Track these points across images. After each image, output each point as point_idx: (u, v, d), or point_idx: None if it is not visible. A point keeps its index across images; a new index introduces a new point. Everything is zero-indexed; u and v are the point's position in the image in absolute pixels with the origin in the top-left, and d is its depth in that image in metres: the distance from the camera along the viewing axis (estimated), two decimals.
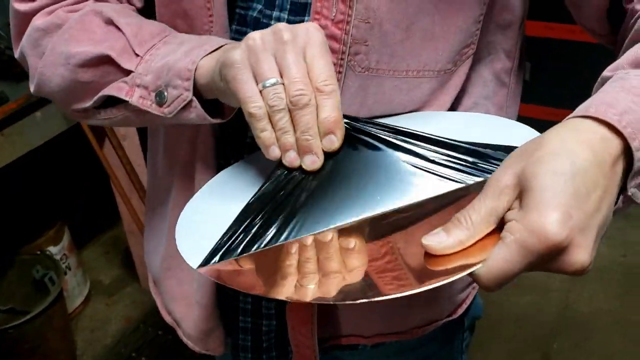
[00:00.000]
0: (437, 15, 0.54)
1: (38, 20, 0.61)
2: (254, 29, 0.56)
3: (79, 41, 0.58)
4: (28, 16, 0.62)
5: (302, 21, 0.55)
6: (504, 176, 0.41)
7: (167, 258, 0.71)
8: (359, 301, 0.40)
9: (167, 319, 0.75)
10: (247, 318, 0.69)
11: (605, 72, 0.49)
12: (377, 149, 0.50)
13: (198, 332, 0.70)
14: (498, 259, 0.39)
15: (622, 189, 0.43)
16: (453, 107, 0.60)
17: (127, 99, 0.56)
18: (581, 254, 0.38)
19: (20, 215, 1.84)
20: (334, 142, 0.47)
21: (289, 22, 0.55)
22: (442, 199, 0.47)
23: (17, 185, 1.86)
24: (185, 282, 0.69)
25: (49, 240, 1.84)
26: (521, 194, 0.40)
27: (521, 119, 0.59)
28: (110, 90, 0.58)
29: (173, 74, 0.53)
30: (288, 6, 0.55)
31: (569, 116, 0.43)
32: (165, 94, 0.54)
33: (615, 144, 0.41)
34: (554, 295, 1.95)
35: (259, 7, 0.57)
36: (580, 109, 0.43)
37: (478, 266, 0.39)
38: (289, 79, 0.46)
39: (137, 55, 0.56)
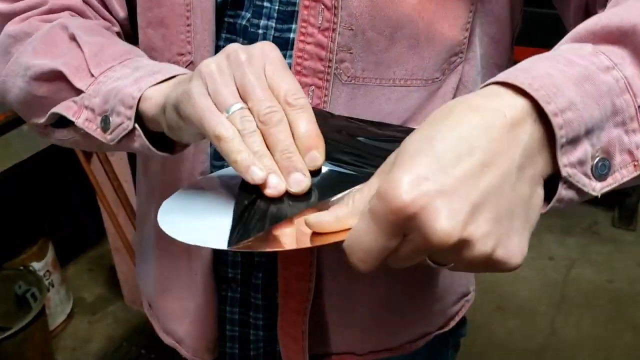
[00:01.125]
0: (421, 23, 0.54)
1: (10, 27, 0.60)
2: (243, 37, 0.57)
3: (40, 54, 0.57)
4: (6, 17, 0.61)
5: (290, 29, 0.55)
6: (392, 154, 0.37)
7: (161, 280, 0.71)
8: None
9: (166, 340, 0.75)
10: (234, 327, 0.68)
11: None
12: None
13: (206, 343, 0.70)
14: (356, 230, 0.36)
15: (556, 171, 0.37)
16: None
17: (73, 119, 0.54)
18: (442, 219, 0.32)
19: (4, 229, 1.82)
20: (317, 158, 0.44)
21: (277, 30, 0.56)
22: None
23: (1, 198, 1.84)
24: (186, 299, 0.69)
25: (32, 255, 1.82)
26: None
27: None
28: (60, 108, 0.56)
29: (118, 99, 0.51)
30: (275, 15, 0.56)
31: (480, 86, 0.38)
32: (110, 119, 0.52)
33: (517, 106, 0.35)
34: (540, 320, 1.95)
35: (248, 15, 0.57)
36: (491, 79, 0.38)
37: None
38: (255, 99, 0.43)
39: (92, 75, 0.54)
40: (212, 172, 0.62)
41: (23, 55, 0.58)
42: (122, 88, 0.51)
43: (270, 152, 0.43)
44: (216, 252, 0.64)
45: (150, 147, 0.51)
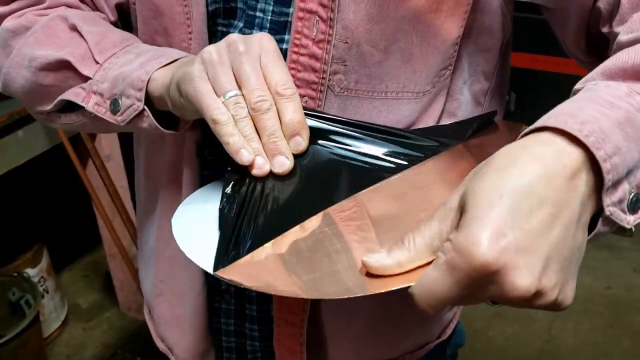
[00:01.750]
0: (415, 37, 0.54)
1: (8, 23, 0.63)
2: None
3: (42, 45, 0.59)
4: (1, 18, 0.64)
5: (283, 40, 0.55)
6: (451, 198, 0.39)
7: (157, 284, 0.71)
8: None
9: (160, 345, 0.75)
10: (230, 338, 0.68)
11: (576, 86, 0.46)
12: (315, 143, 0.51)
13: (193, 355, 0.70)
14: (429, 279, 0.37)
15: (599, 209, 0.39)
16: None
17: (83, 104, 0.58)
18: (522, 277, 0.34)
19: None
20: (301, 143, 0.49)
21: None
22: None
23: None
24: (177, 306, 0.69)
25: (26, 262, 1.80)
26: (461, 214, 0.37)
27: None
28: (68, 95, 0.59)
29: (127, 83, 0.54)
30: (268, 25, 0.55)
31: (527, 129, 0.40)
32: (120, 102, 0.55)
33: (574, 155, 0.37)
34: (537, 326, 1.94)
35: (240, 25, 0.57)
36: (540, 120, 0.40)
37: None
38: (248, 88, 0.48)
39: (97, 62, 0.58)
40: (200, 180, 0.61)
41: (25, 47, 0.60)
42: (129, 73, 0.55)
43: (259, 136, 0.48)
44: None
45: (158, 125, 0.54)
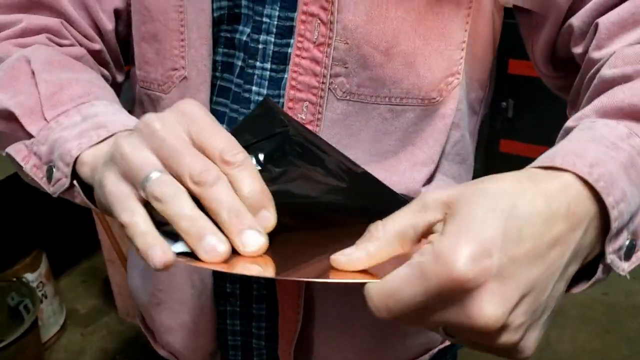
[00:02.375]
0: (417, 40, 0.53)
1: None
2: (244, 52, 0.57)
3: (1, 87, 0.53)
4: None
5: (289, 44, 0.55)
6: (436, 192, 0.36)
7: (155, 293, 0.70)
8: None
9: (162, 352, 0.74)
10: (236, 337, 0.68)
11: (569, 123, 0.44)
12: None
13: (203, 356, 0.70)
14: (395, 276, 0.34)
15: (600, 255, 0.38)
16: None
17: (22, 164, 0.50)
18: (492, 305, 0.32)
19: None
20: (269, 218, 0.39)
21: (276, 45, 0.56)
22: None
23: None
24: (181, 312, 0.68)
25: (25, 267, 1.81)
26: (447, 217, 0.34)
27: (503, 155, 0.59)
28: (12, 149, 0.51)
29: (58, 154, 0.47)
30: (274, 30, 0.55)
31: (531, 165, 0.38)
32: (54, 170, 0.47)
33: (582, 201, 0.35)
34: None
35: (247, 30, 0.57)
36: (545, 159, 0.38)
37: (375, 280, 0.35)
38: (181, 163, 0.37)
39: (45, 119, 0.50)
40: None
41: None
42: (65, 141, 0.47)
43: (213, 217, 0.38)
44: None
45: (91, 205, 0.47)
